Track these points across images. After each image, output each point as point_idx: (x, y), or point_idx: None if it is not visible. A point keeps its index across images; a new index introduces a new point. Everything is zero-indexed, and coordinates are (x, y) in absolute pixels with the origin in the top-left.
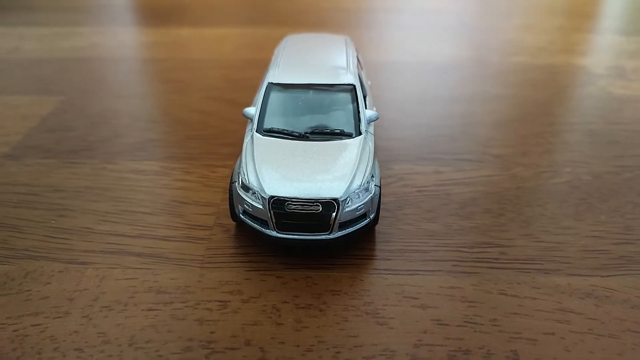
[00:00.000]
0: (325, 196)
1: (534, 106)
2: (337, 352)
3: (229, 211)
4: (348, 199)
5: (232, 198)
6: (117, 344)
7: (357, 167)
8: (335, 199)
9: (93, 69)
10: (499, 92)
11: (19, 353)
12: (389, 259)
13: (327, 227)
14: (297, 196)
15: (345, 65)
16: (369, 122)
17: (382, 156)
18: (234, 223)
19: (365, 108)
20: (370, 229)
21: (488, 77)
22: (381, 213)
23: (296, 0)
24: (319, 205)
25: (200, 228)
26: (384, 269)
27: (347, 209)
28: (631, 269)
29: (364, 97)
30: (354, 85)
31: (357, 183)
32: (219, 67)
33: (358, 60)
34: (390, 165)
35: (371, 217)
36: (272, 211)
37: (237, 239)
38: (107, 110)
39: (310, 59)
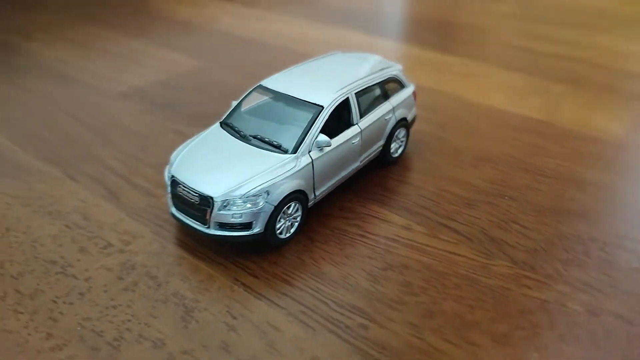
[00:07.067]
0: (203, 191)
1: (624, 209)
2: (128, 321)
3: None
4: (226, 202)
5: None
6: (27, 237)
7: (252, 179)
8: (211, 197)
9: (250, 49)
10: (598, 179)
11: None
12: (256, 277)
13: (205, 220)
14: (186, 182)
15: (339, 87)
16: (318, 146)
17: (368, 192)
18: None
19: (354, 134)
20: (262, 242)
21: (606, 160)
22: (301, 239)
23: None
24: (197, 197)
25: (165, 188)
26: (242, 282)
27: (221, 211)
28: None
29: (352, 124)
30: (322, 107)
31: (240, 192)
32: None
33: (383, 89)
34: (366, 203)
35: (255, 230)
36: (170, 188)
37: None
38: (219, 82)
39: (317, 73)
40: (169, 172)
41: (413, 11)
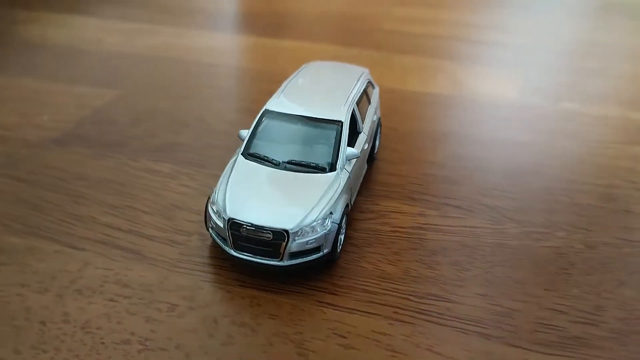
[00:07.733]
0: (276, 226)
1: (559, 159)
2: None
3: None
4: (300, 231)
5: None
6: (74, 324)
7: (317, 203)
8: (286, 230)
9: (157, 68)
10: (527, 139)
11: None
12: (335, 294)
13: (278, 254)
14: (252, 222)
15: (344, 101)
16: (348, 159)
17: (371, 190)
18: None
19: (364, 141)
20: (326, 261)
21: (522, 121)
22: (347, 248)
23: (401, 31)
24: (270, 234)
25: (182, 233)
26: (327, 303)
27: (297, 241)
28: (578, 352)
29: (359, 132)
30: (342, 122)
31: (311, 218)
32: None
33: (366, 94)
34: (377, 201)
35: (325, 251)
36: (229, 231)
37: (208, 249)
38: (153, 109)
39: (314, 90)
40: (225, 216)
41: (275, 6)
